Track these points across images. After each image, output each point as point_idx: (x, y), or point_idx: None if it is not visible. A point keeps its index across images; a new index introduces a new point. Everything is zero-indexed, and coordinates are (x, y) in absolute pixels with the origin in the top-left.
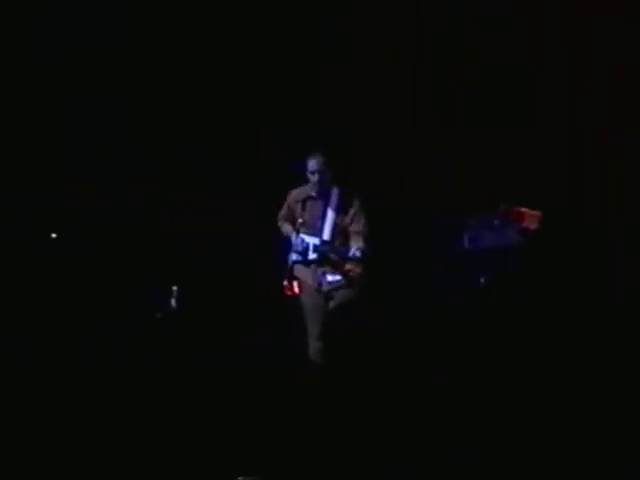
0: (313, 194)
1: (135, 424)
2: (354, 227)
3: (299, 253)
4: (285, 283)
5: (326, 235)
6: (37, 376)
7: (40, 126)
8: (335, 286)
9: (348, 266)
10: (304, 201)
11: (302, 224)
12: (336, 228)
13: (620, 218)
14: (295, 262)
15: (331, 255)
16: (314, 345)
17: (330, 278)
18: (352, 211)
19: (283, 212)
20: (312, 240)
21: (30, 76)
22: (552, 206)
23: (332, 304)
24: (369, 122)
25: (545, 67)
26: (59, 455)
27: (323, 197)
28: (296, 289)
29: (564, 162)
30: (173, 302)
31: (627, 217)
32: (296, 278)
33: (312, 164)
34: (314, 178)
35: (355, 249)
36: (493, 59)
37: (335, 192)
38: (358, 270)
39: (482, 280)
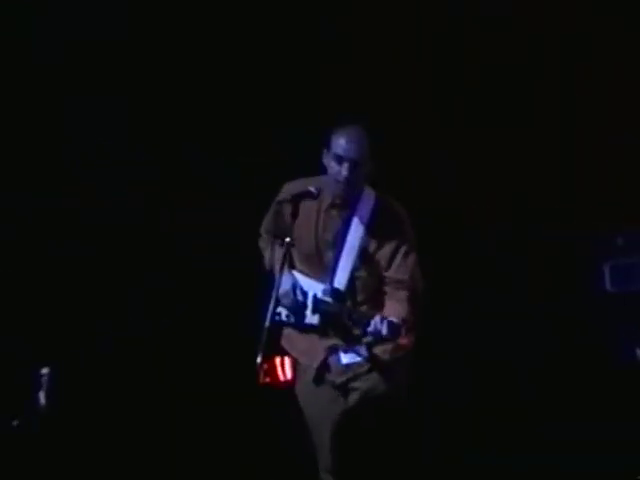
0: (312, 189)
1: (135, 427)
2: (394, 273)
3: (290, 310)
4: (259, 360)
5: (339, 279)
6: (37, 376)
7: (40, 126)
8: (355, 372)
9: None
10: (296, 201)
11: (291, 244)
12: (362, 267)
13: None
14: (282, 324)
15: (345, 319)
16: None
17: (345, 359)
18: (393, 244)
19: (267, 222)
20: (313, 287)
21: (30, 76)
22: (552, 207)
23: (353, 400)
24: (369, 122)
25: (545, 67)
26: (57, 456)
27: (346, 207)
28: (283, 373)
29: (564, 162)
30: (42, 397)
31: (627, 220)
32: (284, 353)
33: (345, 145)
34: (341, 174)
35: (379, 321)
36: (493, 59)
37: (368, 200)
38: (405, 341)
39: (639, 351)
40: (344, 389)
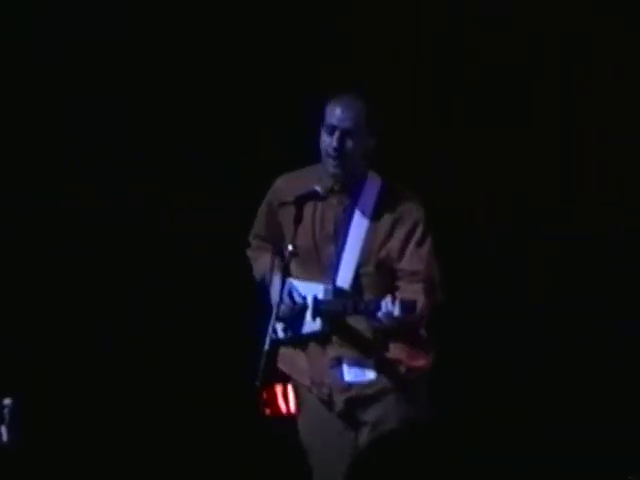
0: (318, 189)
1: (134, 427)
2: (407, 264)
3: (287, 322)
4: (257, 384)
5: (343, 277)
6: (37, 376)
7: (40, 126)
8: (359, 393)
9: (397, 350)
10: (300, 203)
11: (295, 253)
12: (369, 262)
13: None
14: (280, 342)
15: (350, 313)
16: None
17: (349, 375)
18: (403, 230)
19: (258, 225)
20: (312, 290)
21: (30, 76)
22: (552, 207)
23: (364, 437)
24: None
25: (545, 67)
26: (55, 457)
27: (347, 194)
28: (286, 404)
29: (564, 162)
30: (4, 431)
31: (627, 220)
32: (285, 379)
33: (340, 114)
34: (331, 145)
35: (390, 301)
36: (493, 59)
37: (373, 185)
38: (421, 362)
39: None
40: (352, 420)
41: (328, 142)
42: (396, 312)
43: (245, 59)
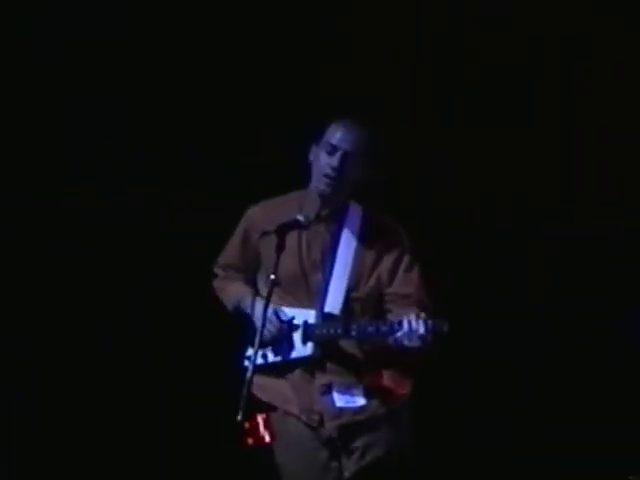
0: (300, 218)
1: (134, 427)
2: (398, 287)
3: (273, 344)
4: (239, 417)
5: (332, 303)
6: (37, 376)
7: (40, 126)
8: (350, 420)
9: (385, 376)
10: (282, 232)
11: (277, 283)
12: (358, 287)
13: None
14: (260, 367)
15: (346, 337)
16: None
17: (340, 401)
18: (391, 258)
19: (230, 255)
20: (301, 315)
21: (30, 76)
22: (552, 207)
23: (352, 464)
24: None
25: (545, 67)
26: (55, 457)
27: (333, 220)
28: (270, 434)
29: (564, 162)
30: None
31: (627, 220)
32: (264, 407)
33: (344, 135)
34: (330, 165)
35: (415, 319)
36: (493, 59)
37: (355, 212)
38: (405, 389)
39: None
40: (338, 448)
41: (326, 162)
42: (421, 330)
43: (245, 59)
